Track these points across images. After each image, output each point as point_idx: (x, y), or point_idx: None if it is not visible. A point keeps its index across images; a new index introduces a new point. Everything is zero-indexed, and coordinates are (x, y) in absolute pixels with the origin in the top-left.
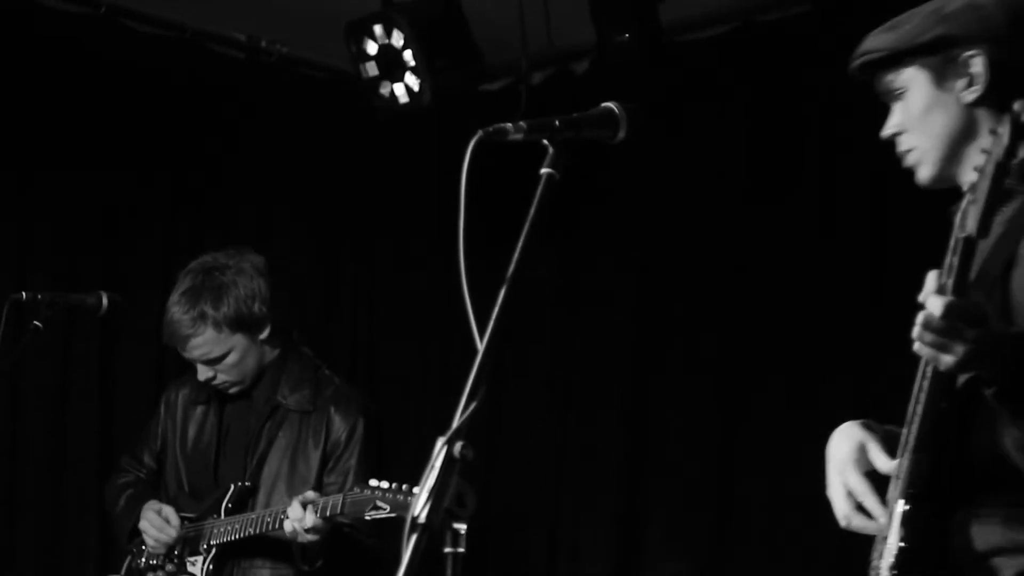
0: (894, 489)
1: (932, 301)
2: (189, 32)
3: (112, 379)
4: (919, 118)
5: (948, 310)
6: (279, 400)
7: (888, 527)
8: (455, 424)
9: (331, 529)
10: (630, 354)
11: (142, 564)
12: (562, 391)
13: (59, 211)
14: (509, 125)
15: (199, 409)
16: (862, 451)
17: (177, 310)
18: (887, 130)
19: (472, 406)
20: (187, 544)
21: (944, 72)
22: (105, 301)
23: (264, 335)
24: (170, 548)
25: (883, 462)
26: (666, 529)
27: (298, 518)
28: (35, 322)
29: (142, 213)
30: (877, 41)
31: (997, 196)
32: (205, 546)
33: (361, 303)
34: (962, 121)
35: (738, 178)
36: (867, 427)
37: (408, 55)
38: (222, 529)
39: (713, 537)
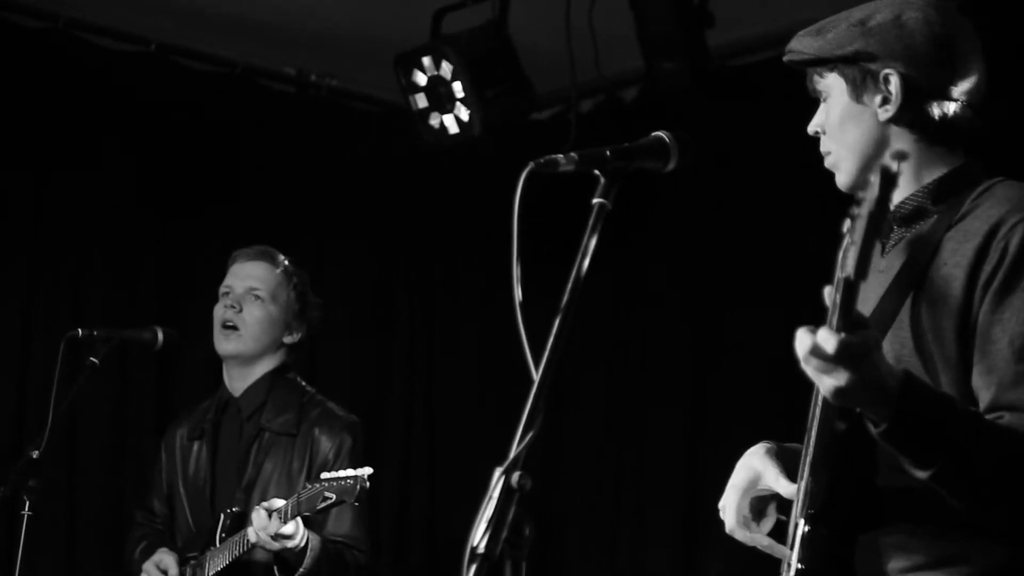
0: (795, 509)
1: (822, 336)
2: (240, 68)
3: (169, 413)
4: (836, 126)
5: (840, 348)
6: (263, 424)
7: (790, 547)
8: (512, 454)
9: (312, 538)
10: (689, 380)
11: None
12: (620, 420)
13: (114, 246)
14: (560, 156)
15: (195, 445)
16: (756, 480)
17: (265, 247)
18: (811, 128)
19: (529, 436)
20: None
21: (862, 86)
22: (161, 336)
23: (291, 338)
24: None
25: (783, 487)
26: (726, 555)
27: (263, 526)
28: (91, 359)
29: (195, 247)
30: (802, 44)
31: (872, 241)
32: None
33: (418, 335)
34: (876, 136)
35: (792, 204)
36: (769, 452)
37: (457, 86)
38: (216, 559)
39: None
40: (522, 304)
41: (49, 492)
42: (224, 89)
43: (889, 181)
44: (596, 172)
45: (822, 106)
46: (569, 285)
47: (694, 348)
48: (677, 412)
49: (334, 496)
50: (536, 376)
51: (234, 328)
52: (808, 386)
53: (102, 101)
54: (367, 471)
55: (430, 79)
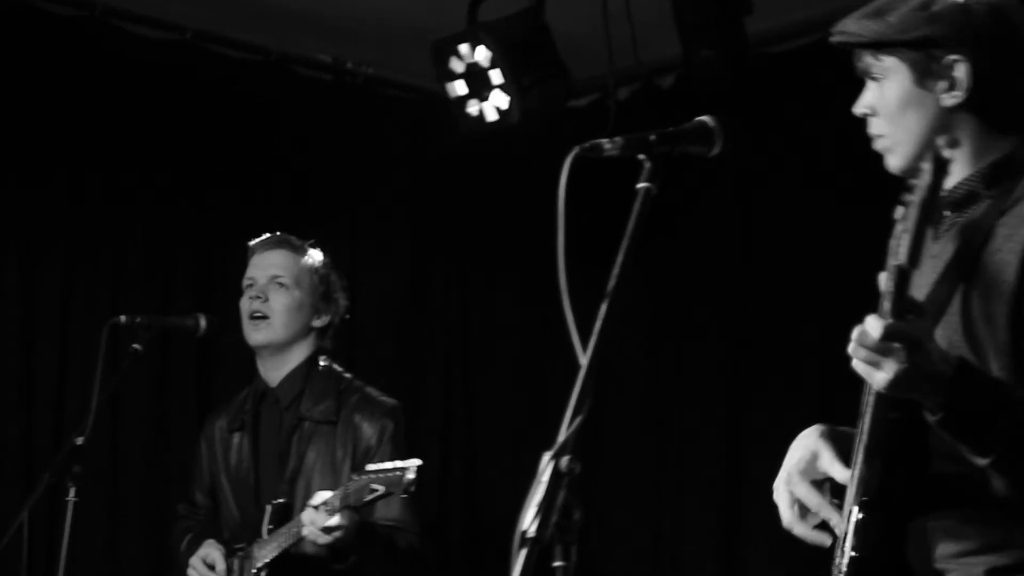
0: (849, 496)
1: (870, 322)
2: (275, 55)
3: (210, 401)
4: (895, 110)
5: (887, 333)
6: (303, 413)
7: (844, 533)
8: (561, 438)
9: (360, 524)
10: (728, 370)
11: None
12: (659, 410)
13: (150, 234)
14: (605, 141)
15: (235, 437)
16: (812, 461)
17: (283, 234)
18: (860, 108)
19: (578, 420)
20: (242, 574)
21: (926, 71)
22: (203, 323)
23: (320, 321)
24: None
25: (838, 471)
26: (768, 547)
27: (311, 520)
28: (135, 346)
29: (230, 235)
30: (860, 27)
31: (924, 228)
32: (254, 571)
33: (455, 321)
34: (939, 122)
35: (831, 193)
36: (824, 434)
37: (495, 73)
38: (263, 551)
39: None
40: (568, 289)
41: (91, 479)
42: (260, 77)
43: (941, 168)
44: (641, 157)
45: (873, 86)
46: (615, 270)
47: (731, 337)
48: (715, 403)
49: (382, 488)
50: (584, 360)
51: (263, 317)
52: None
53: (138, 89)
54: (415, 463)
55: (467, 66)
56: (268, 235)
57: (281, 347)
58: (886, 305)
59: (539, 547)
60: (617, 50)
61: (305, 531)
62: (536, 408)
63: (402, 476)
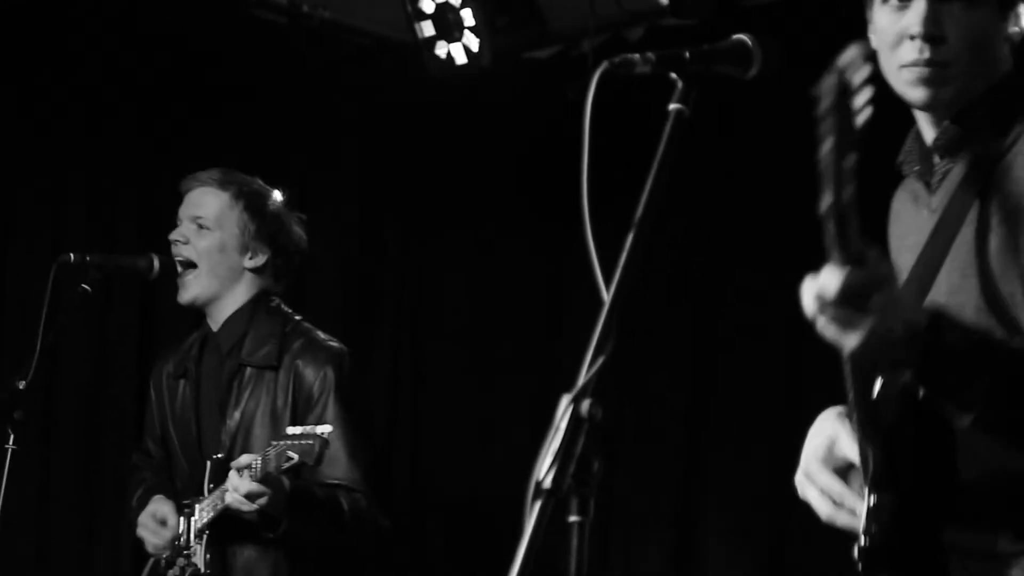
0: (863, 479)
1: (825, 276)
2: None
3: (153, 347)
4: (986, 41)
5: (848, 283)
6: (243, 359)
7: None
8: (581, 381)
9: (292, 489)
10: (691, 350)
11: (163, 565)
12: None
13: (94, 175)
14: (637, 56)
15: (180, 384)
16: (831, 447)
17: (215, 170)
18: (930, 27)
19: (600, 361)
20: (189, 533)
21: (1010, 5)
22: (156, 264)
23: (254, 261)
24: (176, 543)
25: (856, 454)
26: (723, 532)
27: (235, 487)
28: (83, 285)
29: (179, 174)
30: None
31: (843, 157)
32: (196, 532)
33: (405, 281)
34: (1004, 60)
35: (803, 158)
36: (842, 417)
37: (467, 13)
38: (202, 513)
39: (773, 538)
40: (589, 224)
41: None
42: (213, 17)
43: (846, 92)
44: (673, 76)
45: (956, 10)
46: (644, 198)
47: (697, 331)
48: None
49: (296, 456)
50: (607, 297)
51: (181, 262)
52: (811, 388)
53: (88, 29)
54: (326, 429)
55: (438, 7)
56: (199, 172)
57: (214, 294)
58: (835, 254)
59: (555, 500)
60: None
61: (228, 498)
62: (485, 365)
63: (312, 445)
